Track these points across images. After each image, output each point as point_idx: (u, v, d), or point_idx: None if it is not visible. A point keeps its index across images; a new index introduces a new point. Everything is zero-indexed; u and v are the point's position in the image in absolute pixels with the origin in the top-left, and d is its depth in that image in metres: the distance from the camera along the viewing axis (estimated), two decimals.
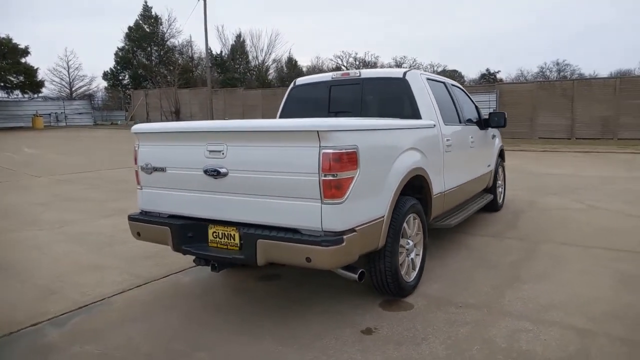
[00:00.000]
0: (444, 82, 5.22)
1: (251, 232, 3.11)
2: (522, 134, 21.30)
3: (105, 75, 48.54)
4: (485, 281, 4.11)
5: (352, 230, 2.99)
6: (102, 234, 5.99)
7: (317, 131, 2.86)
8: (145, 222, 3.66)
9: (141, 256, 5.04)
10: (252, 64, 52.17)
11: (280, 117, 5.18)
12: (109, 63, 64.99)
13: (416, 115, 4.40)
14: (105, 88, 49.09)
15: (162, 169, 3.57)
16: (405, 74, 4.57)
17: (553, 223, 6.11)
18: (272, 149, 3.05)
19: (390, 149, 3.50)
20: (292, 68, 50.67)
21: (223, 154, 3.23)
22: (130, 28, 47.05)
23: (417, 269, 3.91)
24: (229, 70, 47.65)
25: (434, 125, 4.35)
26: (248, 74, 50.67)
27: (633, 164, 12.81)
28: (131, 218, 3.77)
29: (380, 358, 2.88)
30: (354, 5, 79.71)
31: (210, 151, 3.29)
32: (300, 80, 5.21)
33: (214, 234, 3.40)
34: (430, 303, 3.67)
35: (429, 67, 51.20)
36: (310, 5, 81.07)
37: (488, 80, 43.64)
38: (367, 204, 3.15)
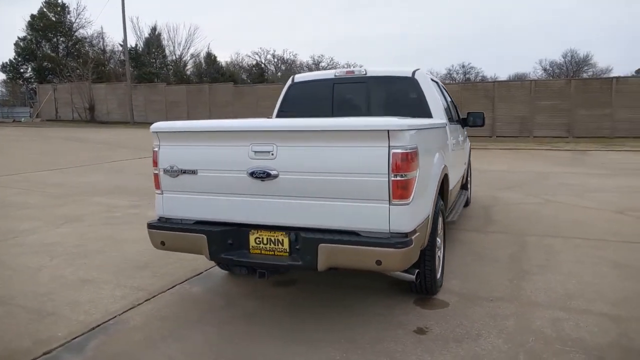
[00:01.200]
0: (437, 82, 5.36)
1: (311, 236, 2.96)
2: None
3: (4, 68, 43.81)
4: (496, 275, 4.28)
5: (415, 231, 2.96)
6: (68, 244, 5.40)
7: (388, 130, 2.79)
8: (173, 229, 3.35)
9: (131, 267, 4.61)
10: (169, 58, 50.01)
11: (278, 114, 4.99)
12: (8, 54, 58.74)
13: (427, 114, 4.46)
14: (4, 81, 44.37)
15: (193, 172, 3.28)
16: (414, 72, 4.61)
17: (524, 217, 6.53)
18: (332, 150, 2.92)
19: (434, 148, 3.52)
20: (211, 63, 49.21)
21: (272, 154, 3.03)
22: (33, 16, 42.89)
23: (441, 267, 3.98)
24: (144, 65, 45.15)
25: (445, 125, 4.45)
26: (165, 68, 48.46)
27: (556, 159, 14.10)
28: (152, 226, 3.42)
29: (449, 357, 2.89)
30: (273, 2, 79.31)
31: (256, 152, 3.07)
32: (300, 78, 5.05)
33: (257, 239, 3.19)
34: (462, 299, 3.75)
35: (345, 66, 52.52)
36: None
37: None
38: (422, 204, 3.14)
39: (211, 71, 45.77)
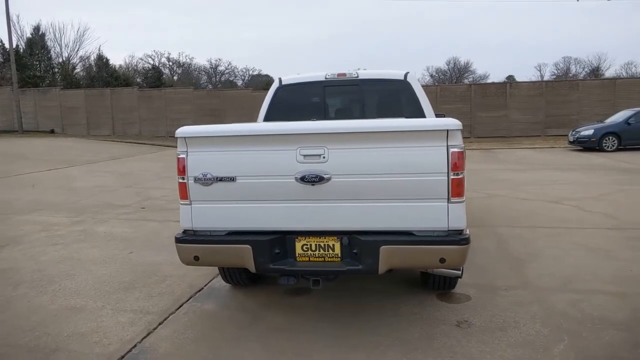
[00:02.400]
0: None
1: (372, 239, 2.91)
2: None
3: None
4: (496, 265, 4.54)
5: (466, 227, 3.05)
6: (25, 269, 4.73)
7: (447, 130, 2.85)
8: (210, 242, 3.08)
9: (115, 289, 4.17)
10: (56, 61, 45.64)
11: (266, 118, 4.82)
12: None
13: (422, 116, 4.61)
14: None
15: (231, 179, 3.05)
16: (406, 75, 4.73)
17: (481, 210, 7.00)
18: (387, 150, 2.90)
19: None
20: (103, 67, 45.86)
21: (324, 157, 2.93)
22: None
23: None
24: (27, 68, 40.65)
25: None
26: (51, 72, 44.11)
27: (470, 157, 15.28)
28: (183, 240, 3.12)
29: (505, 345, 3.02)
30: (169, 4, 76.06)
31: (306, 155, 2.95)
32: (288, 80, 4.91)
33: (304, 246, 3.06)
34: (479, 291, 3.92)
35: (244, 70, 52.31)
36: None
37: None
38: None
39: (104, 75, 42.58)
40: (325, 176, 2.92)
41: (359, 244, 2.95)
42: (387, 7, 73.41)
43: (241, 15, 77.16)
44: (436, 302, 3.74)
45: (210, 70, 52.82)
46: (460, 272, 3.31)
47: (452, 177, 2.86)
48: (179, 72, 52.75)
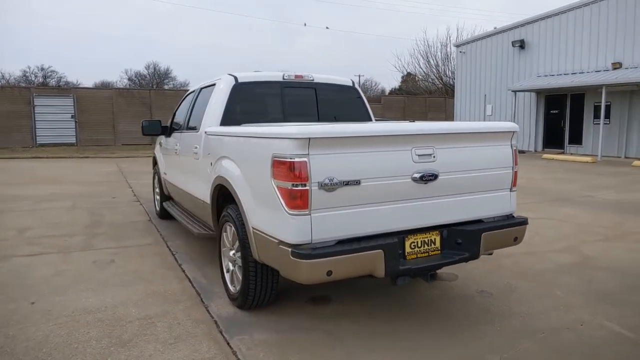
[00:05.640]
0: None
1: (475, 228, 3.23)
2: (106, 141, 21.07)
3: None
4: None
5: None
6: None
7: (513, 132, 3.45)
8: (344, 253, 2.75)
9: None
10: None
11: (224, 117, 4.29)
12: None
13: (370, 119, 5.03)
14: None
15: (356, 182, 2.83)
16: (353, 83, 5.03)
17: None
18: (476, 149, 3.29)
19: None
20: None
21: (433, 157, 3.09)
22: None
23: None
24: None
25: None
26: None
27: None
28: (312, 255, 2.68)
29: (547, 331, 3.76)
30: None
31: (420, 155, 3.04)
32: (244, 78, 4.43)
33: (412, 244, 3.12)
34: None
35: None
36: None
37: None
38: None
39: None
40: (437, 174, 3.10)
41: (463, 234, 3.24)
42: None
43: None
44: (473, 293, 4.09)
45: None
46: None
47: (515, 170, 3.50)
48: None
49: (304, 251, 2.71)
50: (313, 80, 4.78)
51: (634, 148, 16.36)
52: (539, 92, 19.32)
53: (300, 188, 2.70)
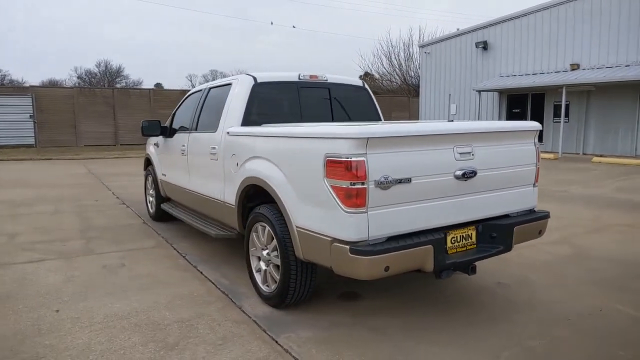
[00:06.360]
0: None
1: (509, 222, 3.39)
2: (68, 142, 20.26)
3: None
4: None
5: None
6: None
7: (537, 130, 3.65)
8: (399, 249, 2.83)
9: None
10: None
11: (245, 117, 4.28)
12: None
13: (379, 119, 5.13)
14: None
15: (408, 180, 2.92)
16: (363, 83, 5.12)
17: None
18: (508, 147, 3.46)
19: None
20: None
21: (472, 155, 3.24)
22: None
23: None
24: None
25: None
26: None
27: None
28: (371, 252, 2.74)
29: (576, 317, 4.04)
30: None
31: (461, 153, 3.18)
32: (262, 78, 4.42)
33: (453, 239, 3.25)
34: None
35: None
36: None
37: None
38: None
39: None
40: (476, 171, 3.24)
41: (497, 228, 3.39)
42: None
43: None
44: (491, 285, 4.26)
45: None
46: None
47: (537, 166, 3.70)
48: None
49: (364, 248, 2.78)
50: (327, 80, 4.83)
51: (591, 145, 17.35)
52: (501, 92, 20.13)
53: (358, 187, 2.76)
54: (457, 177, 3.15)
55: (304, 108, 4.67)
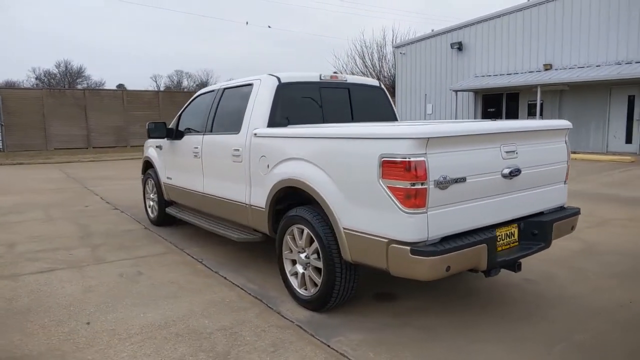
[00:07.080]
0: None
1: (548, 219, 3.45)
2: (37, 146, 19.47)
3: None
4: None
5: None
6: None
7: (568, 129, 3.73)
8: (459, 249, 2.83)
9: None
10: None
11: (270, 118, 4.20)
12: None
13: (395, 119, 5.14)
14: None
15: (463, 179, 2.93)
16: (379, 83, 5.11)
17: None
18: (544, 145, 3.52)
19: None
20: None
21: (516, 153, 3.28)
22: None
23: None
24: None
25: None
26: None
27: None
28: (434, 252, 2.73)
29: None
30: None
31: (507, 152, 3.21)
32: (286, 78, 4.34)
33: (499, 237, 3.28)
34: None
35: None
36: None
37: None
38: None
39: None
40: (521, 169, 3.29)
41: (538, 225, 3.44)
42: None
43: None
44: (518, 280, 4.29)
45: None
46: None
47: (568, 164, 3.79)
48: None
49: (425, 249, 2.76)
50: (346, 81, 4.81)
51: None
52: (477, 91, 20.58)
53: (418, 187, 2.75)
54: (504, 176, 3.19)
55: (326, 108, 4.62)
